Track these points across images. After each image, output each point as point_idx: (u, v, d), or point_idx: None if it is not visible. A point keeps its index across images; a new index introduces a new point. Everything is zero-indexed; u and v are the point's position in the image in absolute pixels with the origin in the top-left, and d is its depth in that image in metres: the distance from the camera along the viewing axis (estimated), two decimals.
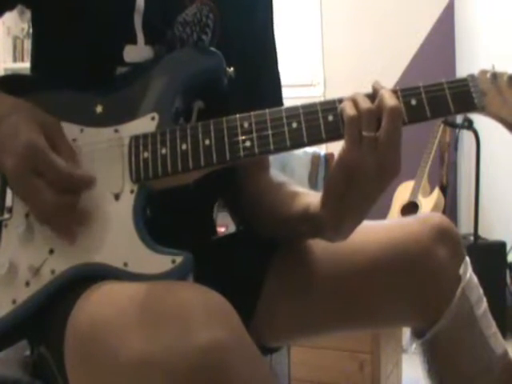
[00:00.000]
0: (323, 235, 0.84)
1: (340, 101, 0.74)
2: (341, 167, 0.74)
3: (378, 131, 0.71)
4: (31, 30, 0.92)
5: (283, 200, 0.90)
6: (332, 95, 0.76)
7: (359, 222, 0.80)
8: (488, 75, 0.76)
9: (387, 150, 0.71)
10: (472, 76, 0.76)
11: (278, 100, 1.01)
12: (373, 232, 0.93)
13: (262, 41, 0.99)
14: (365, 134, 0.71)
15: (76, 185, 0.73)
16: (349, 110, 0.72)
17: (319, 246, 0.92)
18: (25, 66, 3.94)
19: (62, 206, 0.72)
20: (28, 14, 0.91)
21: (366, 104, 0.72)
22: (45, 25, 0.88)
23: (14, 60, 4.22)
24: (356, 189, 0.74)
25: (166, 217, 0.82)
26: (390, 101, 0.71)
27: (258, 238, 0.97)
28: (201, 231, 1.00)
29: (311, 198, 0.85)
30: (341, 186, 0.75)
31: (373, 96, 0.73)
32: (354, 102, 0.73)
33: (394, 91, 0.74)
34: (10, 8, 0.89)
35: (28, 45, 4.15)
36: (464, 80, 0.75)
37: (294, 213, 0.86)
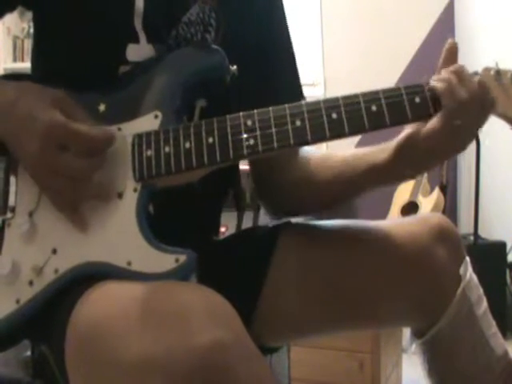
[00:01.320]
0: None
1: (343, 98, 0.74)
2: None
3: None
4: (32, 30, 0.92)
5: (341, 168, 0.89)
6: (332, 95, 0.75)
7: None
8: (492, 73, 0.75)
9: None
10: (475, 73, 0.75)
11: (297, 94, 0.98)
12: (373, 232, 0.93)
13: (269, 35, 0.97)
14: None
15: (99, 145, 0.74)
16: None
17: (319, 246, 0.92)
18: (25, 65, 3.94)
19: (92, 169, 0.73)
20: (28, 14, 0.90)
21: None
22: (46, 25, 0.88)
23: (14, 60, 4.22)
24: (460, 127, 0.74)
25: (170, 215, 0.82)
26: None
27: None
28: (204, 231, 1.00)
29: (369, 157, 0.85)
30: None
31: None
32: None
33: (397, 89, 0.74)
34: (11, 10, 0.89)
35: (28, 45, 4.14)
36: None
37: (359, 174, 0.86)
